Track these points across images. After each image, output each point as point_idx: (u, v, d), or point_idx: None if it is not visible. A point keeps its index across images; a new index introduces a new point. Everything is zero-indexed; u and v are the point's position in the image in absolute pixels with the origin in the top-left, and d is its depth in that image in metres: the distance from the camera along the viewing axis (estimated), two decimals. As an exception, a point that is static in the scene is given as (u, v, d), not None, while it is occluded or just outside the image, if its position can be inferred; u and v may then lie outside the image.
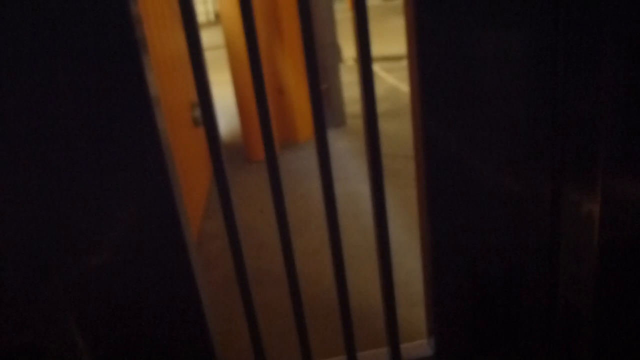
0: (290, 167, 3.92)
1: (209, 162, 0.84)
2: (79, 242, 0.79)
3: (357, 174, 3.51)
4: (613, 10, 0.72)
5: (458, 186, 0.87)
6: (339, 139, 4.44)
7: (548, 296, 0.95)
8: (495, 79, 0.81)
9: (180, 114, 2.86)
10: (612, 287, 0.86)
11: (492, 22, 0.78)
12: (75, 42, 0.69)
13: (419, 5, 0.77)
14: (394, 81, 6.55)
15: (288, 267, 0.92)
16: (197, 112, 2.56)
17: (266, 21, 4.23)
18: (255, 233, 2.74)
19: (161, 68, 2.54)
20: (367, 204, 0.99)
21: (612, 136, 0.77)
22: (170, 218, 0.80)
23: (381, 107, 5.16)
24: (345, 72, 5.15)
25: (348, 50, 7.47)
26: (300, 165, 3.96)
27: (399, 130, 4.01)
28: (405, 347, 1.00)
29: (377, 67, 7.29)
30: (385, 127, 4.15)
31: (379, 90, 5.99)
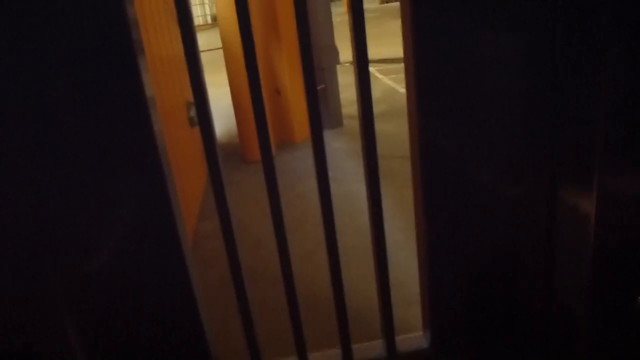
0: (286, 167, 3.92)
1: (205, 162, 0.85)
2: (74, 244, 0.79)
3: (353, 174, 3.52)
4: (610, 13, 0.72)
5: (454, 186, 0.87)
6: (335, 139, 4.45)
7: (543, 293, 0.96)
8: (491, 80, 0.82)
9: (176, 114, 2.86)
10: (608, 286, 0.86)
11: (488, 24, 0.79)
12: (71, 43, 0.69)
13: (415, 8, 0.77)
14: (391, 83, 6.57)
15: (283, 266, 0.93)
16: (193, 112, 2.56)
17: (264, 22, 4.23)
18: (252, 233, 2.74)
19: (157, 68, 2.54)
20: (363, 203, 0.99)
21: (609, 138, 0.78)
22: (166, 219, 0.80)
23: (378, 108, 5.18)
24: (342, 74, 5.16)
25: (345, 52, 7.49)
26: (296, 166, 3.96)
27: (395, 131, 4.03)
28: (400, 339, 1.01)
29: (374, 69, 7.31)
30: (381, 128, 4.17)
31: (376, 91, 6.01)
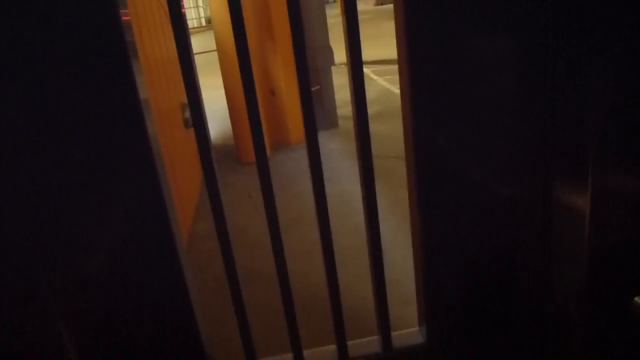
0: (281, 168, 3.92)
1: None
2: (68, 246, 0.79)
3: (348, 175, 3.52)
4: (605, 14, 0.73)
5: (448, 186, 0.88)
6: (330, 140, 4.45)
7: (539, 290, 0.97)
8: (484, 81, 0.82)
9: (171, 115, 2.86)
10: (603, 284, 0.87)
11: (482, 25, 0.79)
12: (64, 46, 0.69)
13: (408, 9, 0.78)
14: (385, 84, 6.58)
15: (278, 265, 0.93)
16: (188, 113, 2.56)
17: (258, 23, 4.23)
18: (247, 233, 2.74)
19: (152, 69, 2.54)
20: (358, 204, 0.99)
21: (603, 138, 0.78)
22: (160, 220, 0.80)
23: (373, 109, 5.18)
24: (337, 75, 5.17)
25: (340, 54, 7.49)
26: (291, 166, 3.96)
27: (390, 132, 4.03)
28: (396, 335, 1.01)
29: (369, 70, 7.32)
30: (376, 128, 4.17)
31: (371, 92, 6.02)
